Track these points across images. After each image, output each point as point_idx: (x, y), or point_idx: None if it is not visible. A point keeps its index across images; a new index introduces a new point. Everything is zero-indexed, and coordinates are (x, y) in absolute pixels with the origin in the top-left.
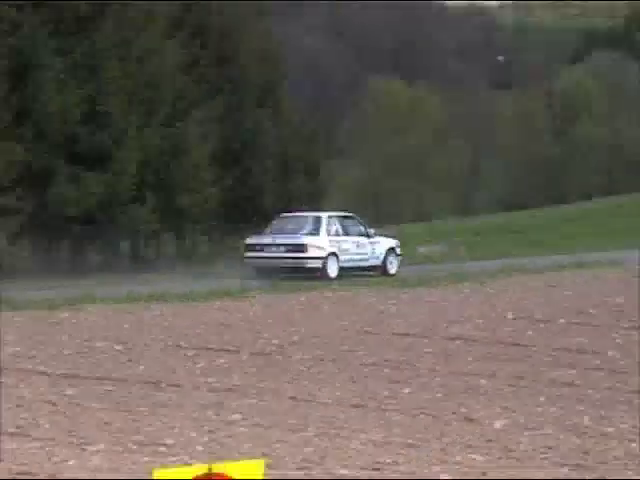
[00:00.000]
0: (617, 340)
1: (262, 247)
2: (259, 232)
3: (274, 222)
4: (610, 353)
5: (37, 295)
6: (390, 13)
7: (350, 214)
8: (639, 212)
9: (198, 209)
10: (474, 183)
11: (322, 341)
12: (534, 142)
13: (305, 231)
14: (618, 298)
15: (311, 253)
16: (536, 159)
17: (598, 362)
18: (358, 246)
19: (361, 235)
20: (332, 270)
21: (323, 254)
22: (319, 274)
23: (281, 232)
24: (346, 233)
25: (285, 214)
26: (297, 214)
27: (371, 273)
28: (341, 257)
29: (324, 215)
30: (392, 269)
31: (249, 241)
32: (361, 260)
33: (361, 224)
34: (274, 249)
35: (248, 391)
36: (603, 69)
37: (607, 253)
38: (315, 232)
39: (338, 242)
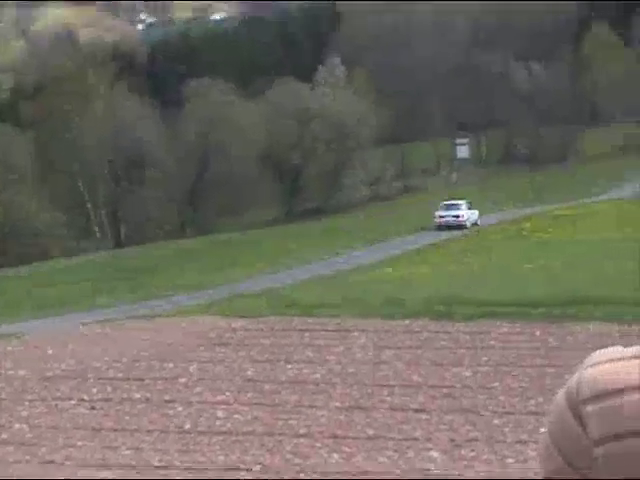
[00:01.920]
0: None
1: (442, 216)
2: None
3: (441, 205)
4: None
5: None
6: None
7: (467, 200)
8: None
9: None
10: None
11: None
12: None
13: (457, 209)
14: None
15: (461, 218)
16: None
17: None
18: (471, 213)
19: (470, 209)
20: (470, 224)
21: (464, 218)
22: (466, 227)
23: (446, 209)
24: (468, 209)
25: (445, 202)
26: (451, 201)
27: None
28: (469, 219)
29: (462, 201)
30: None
31: (436, 213)
32: (473, 220)
33: (470, 204)
34: (447, 217)
35: None
36: None
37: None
38: (461, 208)
39: (466, 213)
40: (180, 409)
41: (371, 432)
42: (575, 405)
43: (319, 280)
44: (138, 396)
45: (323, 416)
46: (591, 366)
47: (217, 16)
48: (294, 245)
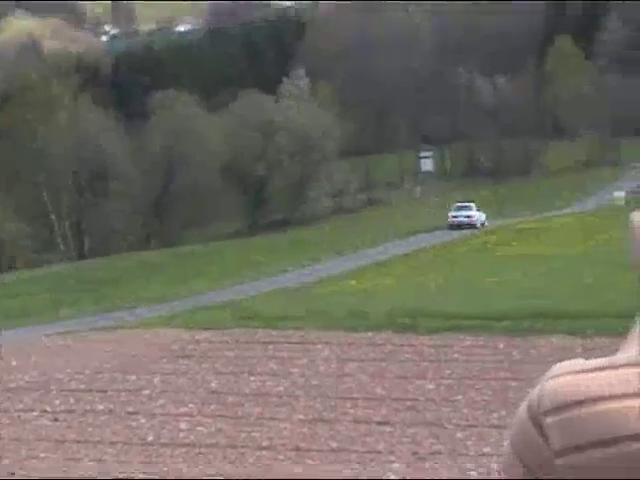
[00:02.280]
0: None
1: (455, 216)
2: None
3: (454, 207)
4: None
5: None
6: None
7: (473, 202)
8: None
9: None
10: None
11: None
12: None
13: (469, 209)
14: None
15: (472, 219)
16: None
17: None
18: (480, 214)
19: (478, 210)
20: (480, 224)
21: (475, 218)
22: (476, 227)
23: (459, 210)
24: (477, 210)
25: (457, 204)
26: (462, 203)
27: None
28: (479, 219)
29: (472, 204)
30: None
31: (450, 214)
32: (482, 221)
33: (478, 206)
34: (460, 217)
35: None
36: None
37: None
38: (471, 209)
39: (476, 214)
40: (143, 421)
41: (334, 445)
42: (536, 416)
43: (283, 292)
44: (101, 408)
45: (286, 428)
46: (552, 378)
47: (181, 28)
48: (258, 257)
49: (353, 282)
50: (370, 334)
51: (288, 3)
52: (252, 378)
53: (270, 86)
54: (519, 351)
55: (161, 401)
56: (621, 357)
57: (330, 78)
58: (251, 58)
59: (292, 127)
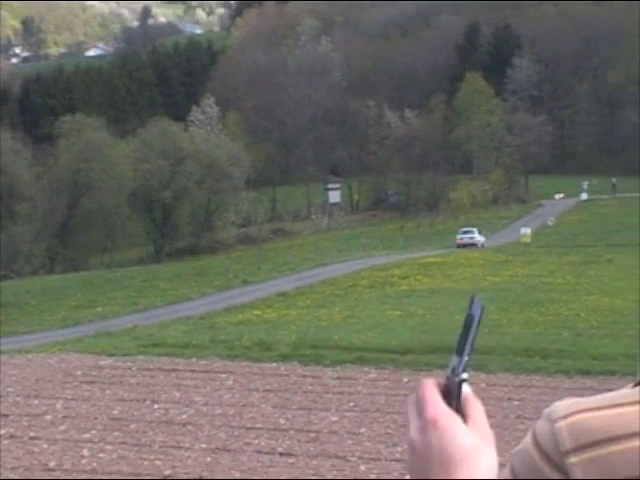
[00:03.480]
0: None
1: (462, 238)
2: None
3: (460, 230)
4: None
5: None
6: None
7: (476, 228)
8: None
9: None
10: None
11: None
12: None
13: (473, 233)
14: None
15: (474, 239)
16: None
17: None
18: (480, 237)
19: (480, 234)
20: (480, 245)
21: (477, 239)
22: (477, 246)
23: (464, 234)
24: (479, 233)
25: (463, 229)
26: (467, 228)
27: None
28: (480, 241)
29: (475, 229)
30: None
31: (458, 237)
32: (482, 242)
33: (480, 230)
34: (465, 238)
35: None
36: None
37: None
38: (474, 233)
39: (478, 236)
40: (45, 446)
41: (237, 474)
42: (553, 458)
43: (187, 320)
44: (3, 432)
45: (189, 457)
46: (564, 417)
47: (92, 52)
48: (163, 284)
49: (258, 312)
50: (274, 364)
51: (200, 31)
52: (156, 406)
53: (180, 114)
54: None
55: (63, 427)
56: (630, 392)
57: (240, 108)
58: (161, 85)
59: (200, 155)
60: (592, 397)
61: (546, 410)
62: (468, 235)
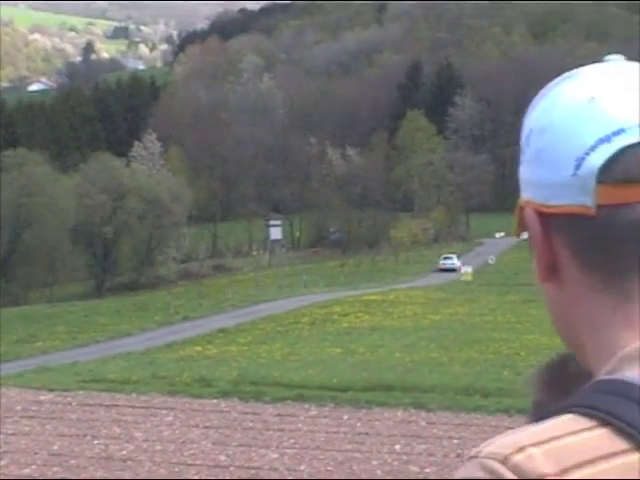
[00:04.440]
0: None
1: (444, 263)
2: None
3: (442, 257)
4: None
5: None
6: None
7: (455, 254)
8: None
9: None
10: None
11: None
12: None
13: (452, 259)
14: None
15: (455, 265)
16: None
17: None
18: (458, 262)
19: (458, 260)
20: (459, 269)
21: (456, 264)
22: (458, 271)
23: (445, 260)
24: (458, 259)
25: (444, 256)
26: (447, 255)
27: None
28: (458, 266)
29: (454, 255)
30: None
31: (440, 262)
32: (459, 266)
33: (457, 255)
34: (447, 263)
35: None
36: None
37: None
38: (454, 259)
39: (457, 262)
40: None
41: None
42: None
43: (128, 356)
44: None
45: None
46: (514, 454)
47: (34, 87)
48: (104, 319)
49: (199, 348)
50: (215, 401)
51: (143, 67)
52: (96, 441)
53: (122, 149)
54: (363, 423)
55: (3, 462)
56: (559, 422)
57: (182, 144)
58: (104, 120)
59: (142, 191)
60: (519, 433)
61: (473, 460)
62: (449, 261)
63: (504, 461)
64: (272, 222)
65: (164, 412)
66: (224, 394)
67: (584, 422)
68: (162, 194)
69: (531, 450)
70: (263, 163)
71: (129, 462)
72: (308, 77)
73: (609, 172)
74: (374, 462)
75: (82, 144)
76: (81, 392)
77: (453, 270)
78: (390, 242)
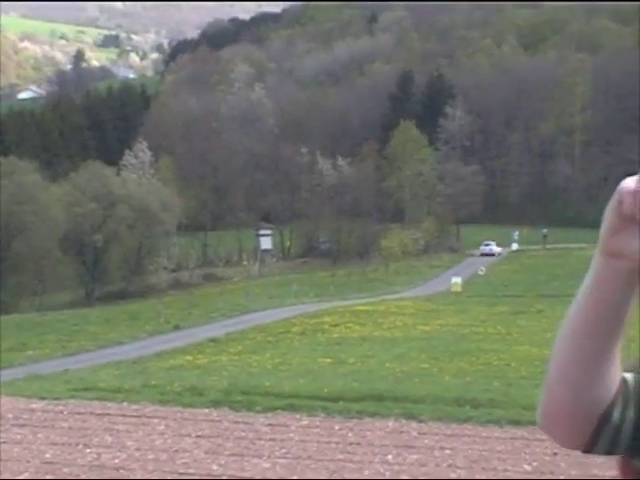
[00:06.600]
0: None
1: (484, 249)
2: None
3: (483, 243)
4: None
5: None
6: None
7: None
8: None
9: None
10: None
11: None
12: None
13: (491, 245)
14: None
15: (494, 250)
16: None
17: None
18: (498, 248)
19: (498, 246)
20: (497, 254)
21: (495, 250)
22: (495, 255)
23: (486, 246)
24: (497, 245)
25: (485, 241)
26: (487, 241)
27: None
28: (497, 251)
29: (493, 242)
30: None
31: (481, 247)
32: (499, 252)
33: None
34: (486, 249)
35: None
36: None
37: None
38: (492, 245)
39: (496, 247)
40: None
41: None
42: None
43: (119, 365)
44: None
45: None
46: None
47: (24, 95)
48: (94, 328)
49: (190, 357)
50: (206, 410)
51: (133, 76)
52: (88, 450)
53: (112, 158)
54: (354, 433)
55: None
56: None
57: (172, 153)
58: (94, 129)
59: (132, 199)
60: None
61: None
62: (488, 247)
63: None
64: (262, 232)
65: (155, 421)
66: (215, 403)
67: None
68: (152, 203)
69: None
70: (254, 172)
71: (122, 471)
72: (299, 87)
73: None
74: (366, 472)
75: (72, 152)
76: (72, 400)
77: (492, 255)
78: (380, 252)
